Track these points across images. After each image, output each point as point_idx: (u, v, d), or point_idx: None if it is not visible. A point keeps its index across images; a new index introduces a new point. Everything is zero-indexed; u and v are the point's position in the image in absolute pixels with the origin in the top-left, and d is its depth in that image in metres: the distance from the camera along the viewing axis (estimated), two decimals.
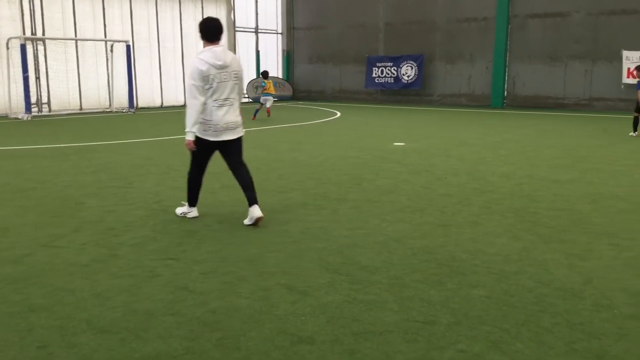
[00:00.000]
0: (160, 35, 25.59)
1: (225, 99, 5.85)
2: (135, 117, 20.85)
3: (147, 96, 25.29)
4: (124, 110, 22.73)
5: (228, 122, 5.88)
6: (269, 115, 19.44)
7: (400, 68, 27.04)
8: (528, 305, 3.96)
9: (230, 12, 28.40)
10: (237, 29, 29.19)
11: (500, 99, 24.58)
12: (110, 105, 23.26)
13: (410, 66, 26.73)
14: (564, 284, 4.36)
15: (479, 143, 12.93)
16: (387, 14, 27.66)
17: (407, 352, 3.32)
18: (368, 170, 9.42)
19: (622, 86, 21.59)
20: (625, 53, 21.30)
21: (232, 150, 6.09)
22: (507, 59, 24.33)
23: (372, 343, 3.43)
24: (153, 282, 4.40)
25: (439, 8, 25.91)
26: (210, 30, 5.81)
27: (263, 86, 20.20)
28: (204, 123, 5.82)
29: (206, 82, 5.69)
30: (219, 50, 5.75)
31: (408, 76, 26.87)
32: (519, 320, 3.74)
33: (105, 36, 23.45)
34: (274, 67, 31.84)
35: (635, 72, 14.75)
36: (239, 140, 6.11)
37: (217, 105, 5.80)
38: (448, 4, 25.61)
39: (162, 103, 25.80)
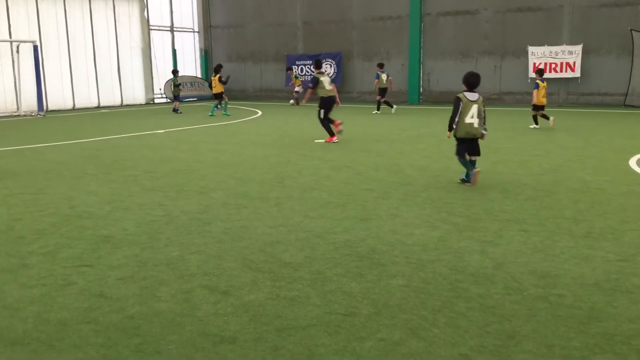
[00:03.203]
0: (70, 35, 24.55)
1: None
2: (46, 120, 19.91)
3: (57, 98, 24.20)
4: (33, 114, 21.64)
5: None
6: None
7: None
8: (444, 292, 4.11)
9: (144, 10, 27.66)
10: (151, 27, 28.45)
11: (417, 95, 25.28)
12: (17, 108, 22.09)
13: (329, 64, 27.00)
14: (477, 270, 4.55)
15: (398, 138, 13.25)
16: (305, 12, 27.80)
17: (329, 344, 3.37)
18: (290, 168, 9.45)
19: (529, 80, 22.73)
20: (530, 49, 22.45)
21: None
22: (422, 56, 25.05)
23: (295, 338, 3.45)
24: (67, 291, 4.23)
25: (355, 7, 26.31)
26: None
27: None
28: None
29: None
30: None
31: (328, 74, 27.12)
32: (436, 306, 3.87)
33: (10, 36, 22.24)
34: (192, 66, 31.30)
35: (378, 69, 17.68)
36: None
37: None
38: (363, 2, 26.05)
39: (74, 105, 24.78)
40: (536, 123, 15.16)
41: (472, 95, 7.76)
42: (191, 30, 31.21)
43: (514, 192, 7.37)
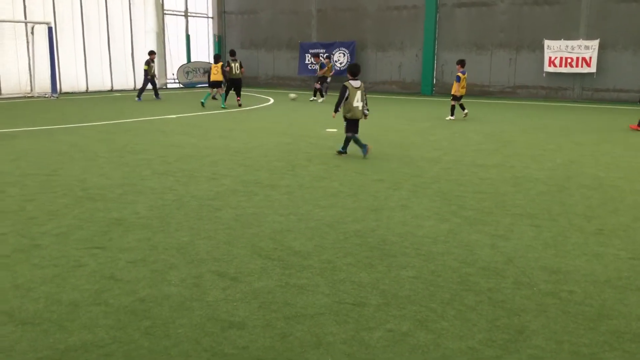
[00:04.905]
0: (85, 17, 24.55)
1: None
2: (59, 102, 19.99)
3: (71, 80, 24.24)
4: (47, 95, 21.73)
5: None
6: None
7: (333, 55, 27.12)
8: (453, 285, 4.10)
9: None
10: (165, 11, 28.40)
11: (430, 86, 25.13)
12: (31, 89, 22.19)
13: (343, 53, 26.86)
14: (488, 264, 4.54)
15: (409, 129, 13.19)
16: (320, 0, 27.63)
17: (337, 333, 3.37)
18: (301, 156, 9.44)
19: (544, 74, 22.53)
20: (546, 42, 22.21)
21: None
22: (436, 47, 24.86)
23: (304, 326, 3.46)
24: (78, 272, 4.26)
25: None
26: None
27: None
28: None
29: None
30: None
31: (340, 63, 26.98)
32: (445, 299, 3.86)
33: (25, 17, 22.28)
34: (205, 52, 31.26)
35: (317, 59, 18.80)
36: None
37: None
38: None
39: (87, 88, 24.84)
40: (452, 115, 15.48)
41: (355, 83, 9.21)
42: (205, 15, 31.14)
43: (526, 187, 7.32)
